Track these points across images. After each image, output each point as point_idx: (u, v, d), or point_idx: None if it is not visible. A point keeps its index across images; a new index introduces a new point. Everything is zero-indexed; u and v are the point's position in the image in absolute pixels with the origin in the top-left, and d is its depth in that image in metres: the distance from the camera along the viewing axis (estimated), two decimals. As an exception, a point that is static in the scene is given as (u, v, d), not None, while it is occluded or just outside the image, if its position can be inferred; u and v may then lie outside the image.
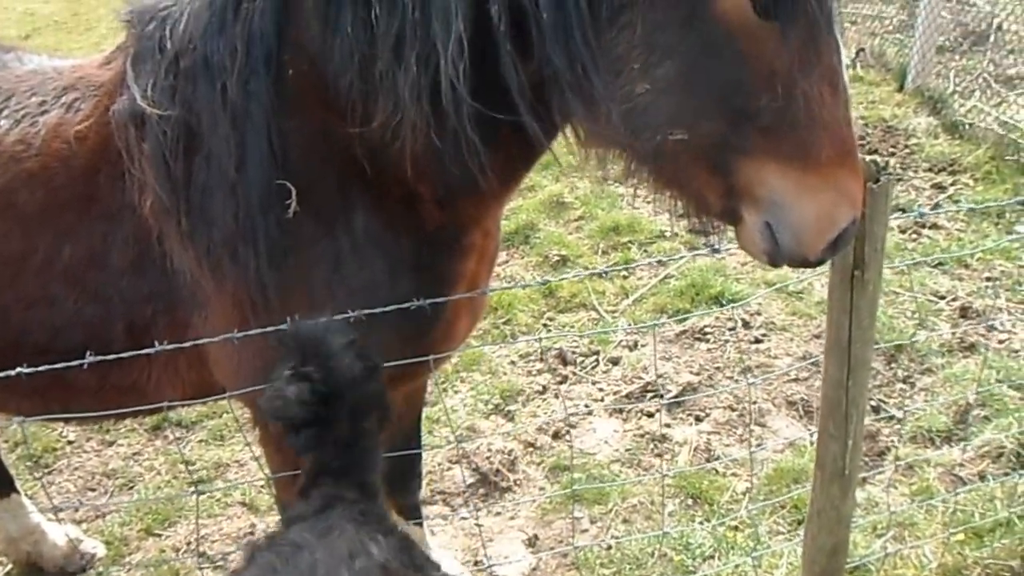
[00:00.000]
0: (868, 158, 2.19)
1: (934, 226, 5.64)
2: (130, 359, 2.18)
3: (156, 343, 2.14)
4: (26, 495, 3.78)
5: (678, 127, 1.80)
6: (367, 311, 2.06)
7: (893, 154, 6.53)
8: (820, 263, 1.95)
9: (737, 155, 1.80)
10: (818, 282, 5.06)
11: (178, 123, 2.09)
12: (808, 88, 1.73)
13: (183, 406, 2.65)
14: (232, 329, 2.15)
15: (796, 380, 4.41)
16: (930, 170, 6.32)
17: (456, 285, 2.33)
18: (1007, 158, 6.17)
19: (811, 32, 1.72)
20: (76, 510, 3.98)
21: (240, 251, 2.10)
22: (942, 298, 4.94)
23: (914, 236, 5.56)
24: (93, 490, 4.13)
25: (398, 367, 2.21)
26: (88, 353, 2.10)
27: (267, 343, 2.15)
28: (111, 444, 4.40)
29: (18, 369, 2.07)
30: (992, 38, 7.56)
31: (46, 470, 4.25)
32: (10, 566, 3.75)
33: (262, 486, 3.87)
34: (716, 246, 2.52)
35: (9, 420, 3.33)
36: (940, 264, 5.17)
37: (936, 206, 5.87)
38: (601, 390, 4.48)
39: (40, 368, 2.05)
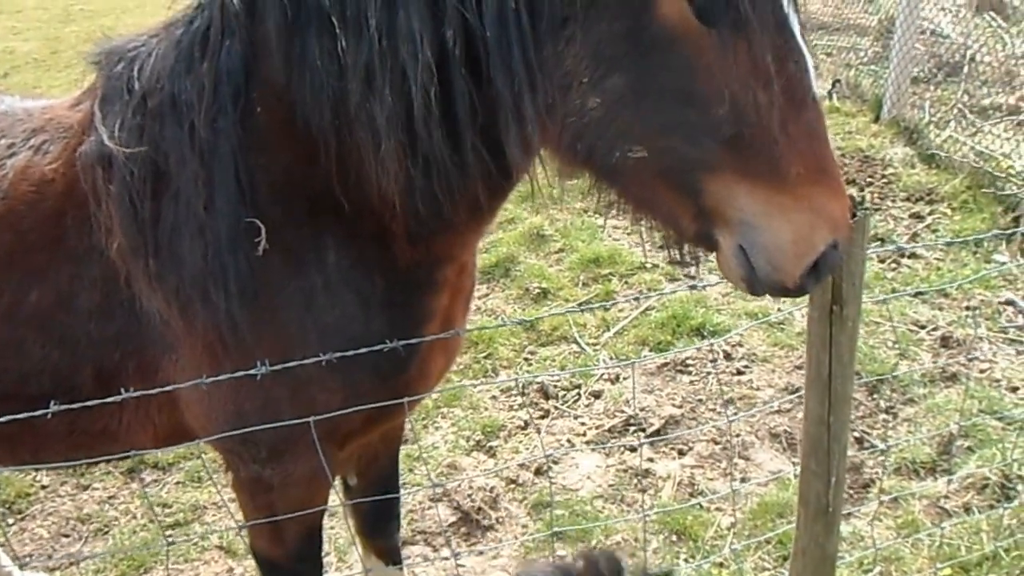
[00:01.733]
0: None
1: (913, 256, 5.67)
2: (99, 405, 2.13)
3: (125, 388, 2.09)
4: (-2, 543, 3.70)
5: (635, 143, 1.73)
6: (339, 354, 2.03)
7: (870, 184, 6.58)
8: (802, 291, 1.82)
9: (703, 173, 1.73)
10: (799, 312, 5.05)
11: (145, 163, 2.05)
12: (767, 100, 1.65)
13: (155, 453, 2.59)
14: (203, 371, 2.11)
15: (779, 412, 4.39)
16: (908, 199, 6.36)
17: (430, 322, 2.30)
18: (983, 187, 6.21)
19: (764, 40, 1.64)
20: (49, 557, 3.89)
21: (210, 291, 2.06)
22: (923, 327, 4.94)
23: (893, 266, 5.58)
24: (67, 536, 4.04)
25: (372, 408, 2.18)
26: (53, 402, 2.04)
27: (239, 386, 2.12)
28: (86, 488, 4.31)
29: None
30: (966, 69, 7.65)
31: (19, 516, 4.16)
32: (-18, 616, 3.67)
33: (240, 529, 3.80)
34: (696, 282, 2.48)
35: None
36: (920, 294, 5.18)
37: (914, 236, 5.90)
38: (583, 424, 4.44)
39: (2, 419, 2.00)
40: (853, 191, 2.19)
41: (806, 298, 2.19)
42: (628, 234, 6.28)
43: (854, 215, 2.13)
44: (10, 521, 4.12)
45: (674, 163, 1.75)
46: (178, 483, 4.25)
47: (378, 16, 1.75)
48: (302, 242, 2.11)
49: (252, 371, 2.00)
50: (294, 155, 2.04)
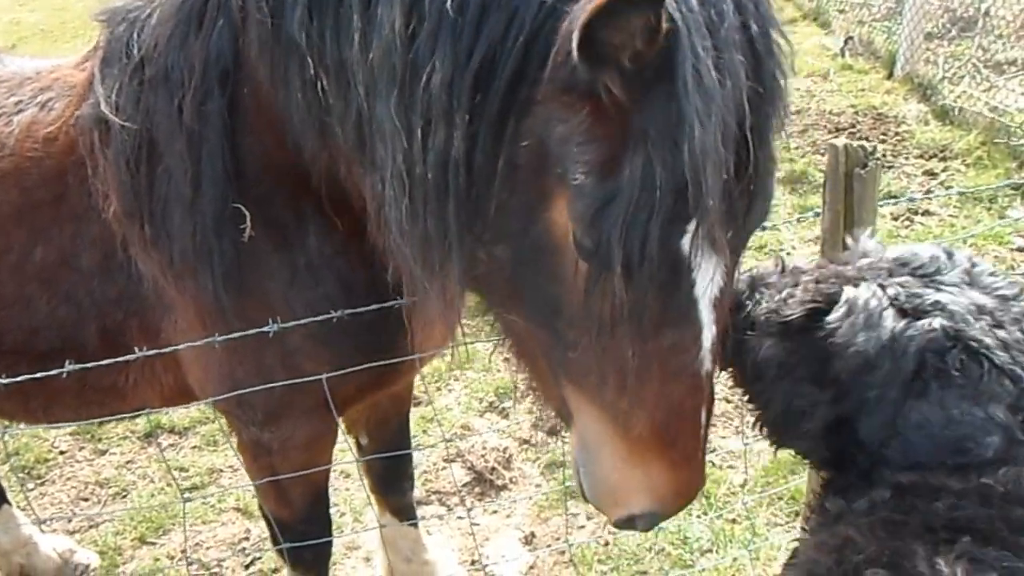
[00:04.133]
0: (857, 143, 2.17)
1: (926, 212, 5.62)
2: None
3: (129, 346, 2.13)
4: (18, 507, 3.75)
5: (510, 310, 1.71)
6: (351, 310, 2.04)
7: (884, 141, 6.52)
8: (623, 528, 1.76)
9: (565, 375, 1.66)
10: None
11: (140, 131, 2.04)
12: (631, 353, 1.53)
13: (170, 416, 2.63)
14: (197, 337, 2.14)
15: (791, 370, 4.38)
16: (921, 156, 6.30)
17: None
18: (997, 143, 6.15)
19: (653, 296, 1.48)
20: (69, 521, 3.95)
21: (198, 269, 2.07)
22: (936, 284, 4.91)
23: (907, 223, 5.54)
24: (86, 500, 4.10)
25: (367, 377, 2.20)
26: (68, 362, 2.07)
27: (231, 352, 2.15)
28: (103, 453, 4.37)
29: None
30: (980, 24, 7.55)
31: (38, 481, 4.21)
32: (3, 578, 3.73)
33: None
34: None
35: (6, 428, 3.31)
36: (933, 250, 5.15)
37: (928, 192, 5.85)
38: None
39: (18, 378, 2.02)
40: (864, 143, 2.16)
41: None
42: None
43: (865, 165, 2.12)
44: (30, 486, 4.17)
45: (539, 350, 1.70)
46: (194, 447, 4.29)
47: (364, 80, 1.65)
48: (286, 227, 2.11)
49: (265, 328, 2.02)
50: (277, 141, 2.01)
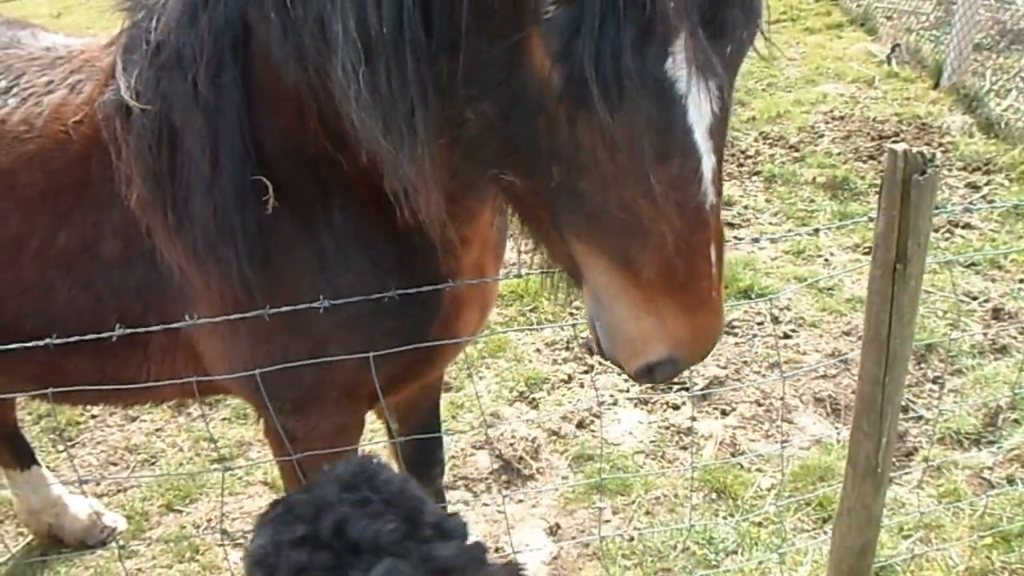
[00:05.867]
0: (915, 150, 2.14)
1: (967, 226, 5.56)
2: (125, 355, 2.16)
3: (149, 340, 2.11)
4: (47, 467, 3.79)
5: (505, 169, 1.66)
6: (402, 290, 2.03)
7: (927, 152, 6.44)
8: (642, 381, 1.72)
9: (568, 231, 1.63)
10: (849, 279, 5.00)
11: (160, 116, 2.03)
12: (634, 193, 1.49)
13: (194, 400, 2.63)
14: (220, 330, 2.13)
15: (824, 377, 4.36)
16: (964, 169, 6.23)
17: (454, 280, 2.23)
18: (1044, 159, 6.08)
19: (643, 129, 1.44)
20: (98, 483, 3.99)
21: (221, 250, 2.04)
22: (974, 299, 4.87)
23: (947, 235, 5.48)
24: (115, 464, 4.14)
25: (397, 368, 2.18)
26: (117, 327, 2.07)
27: (257, 344, 2.14)
28: (134, 420, 4.41)
29: (47, 340, 2.06)
30: (1031, 37, 7.46)
31: (69, 443, 4.26)
32: (31, 538, 3.77)
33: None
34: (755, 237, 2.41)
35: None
36: (973, 264, 5.10)
37: (970, 205, 5.78)
38: (626, 380, 4.44)
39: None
40: (924, 149, 2.14)
41: (862, 262, 2.14)
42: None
43: (924, 171, 2.09)
44: (60, 448, 4.22)
45: (542, 208, 1.66)
46: (224, 419, 4.32)
47: None
48: (310, 201, 2.08)
49: (314, 304, 2.01)
50: (289, 111, 1.98)
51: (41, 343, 2.03)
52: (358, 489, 1.58)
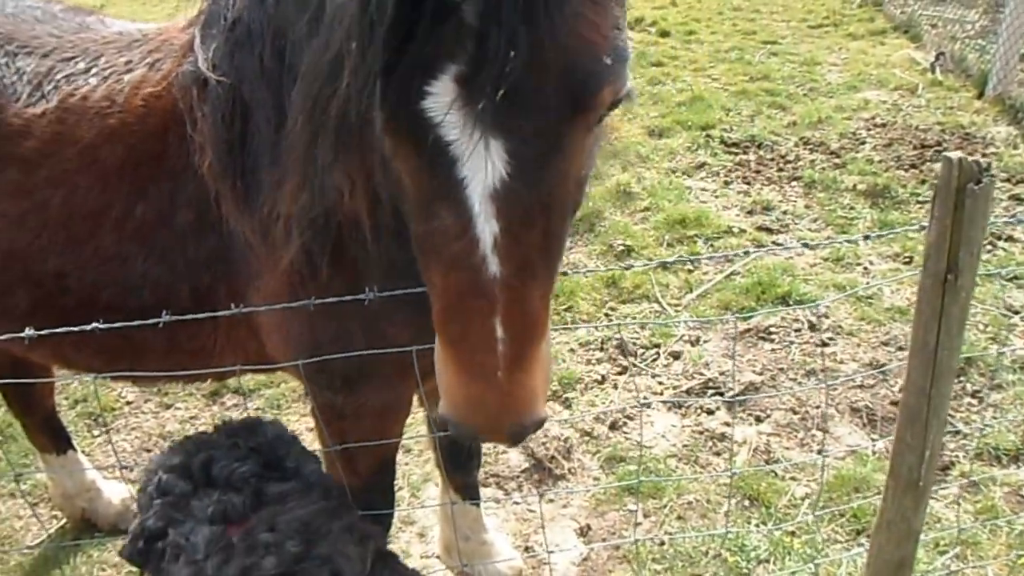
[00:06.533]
0: (970, 158, 2.11)
1: (1009, 239, 5.49)
2: (197, 324, 2.18)
3: (217, 311, 2.13)
4: (82, 452, 3.82)
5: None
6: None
7: (970, 162, 6.36)
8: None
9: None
10: (888, 288, 4.94)
11: (233, 87, 2.09)
12: (422, 241, 1.50)
13: (251, 370, 2.64)
14: (283, 302, 2.15)
15: (861, 387, 4.30)
16: (1008, 180, 6.15)
17: None
18: (1091, 172, 5.98)
19: (414, 166, 1.44)
20: (131, 469, 4.02)
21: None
22: (1016, 313, 4.79)
23: (989, 247, 5.40)
24: (149, 451, 4.16)
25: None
26: (164, 312, 2.10)
27: (315, 317, 2.15)
28: (169, 407, 4.44)
29: (93, 324, 2.07)
30: (1080, 48, 7.33)
31: (104, 429, 4.29)
32: (64, 521, 3.80)
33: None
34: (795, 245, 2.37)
35: (76, 376, 3.36)
36: (1016, 278, 5.02)
37: (1012, 217, 5.70)
38: (661, 384, 4.42)
39: (115, 325, 2.05)
40: (978, 158, 2.10)
41: (901, 271, 2.10)
42: (716, 197, 6.19)
43: (979, 181, 2.06)
44: (95, 433, 4.25)
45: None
46: (258, 409, 4.34)
47: None
48: None
49: (360, 296, 2.02)
50: None
51: (88, 327, 2.05)
52: (236, 436, 2.04)
